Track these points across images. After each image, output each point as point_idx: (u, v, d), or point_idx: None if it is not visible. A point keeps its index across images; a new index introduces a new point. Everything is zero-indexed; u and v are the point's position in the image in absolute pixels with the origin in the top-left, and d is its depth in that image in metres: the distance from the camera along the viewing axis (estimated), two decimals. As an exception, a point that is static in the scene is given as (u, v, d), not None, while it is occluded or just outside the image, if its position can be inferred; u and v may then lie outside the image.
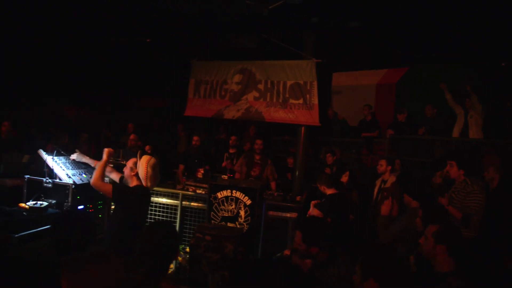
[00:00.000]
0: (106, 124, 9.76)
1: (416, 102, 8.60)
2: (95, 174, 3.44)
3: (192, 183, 6.00)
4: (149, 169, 3.56)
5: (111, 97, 10.63)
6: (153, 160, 3.67)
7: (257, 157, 6.82)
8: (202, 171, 6.48)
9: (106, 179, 3.76)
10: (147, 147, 7.43)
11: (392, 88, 10.19)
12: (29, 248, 3.55)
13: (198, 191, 5.73)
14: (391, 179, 5.15)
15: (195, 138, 7.44)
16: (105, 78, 9.82)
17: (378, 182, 5.40)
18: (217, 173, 6.76)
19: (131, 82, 9.80)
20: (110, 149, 3.69)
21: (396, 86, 10.13)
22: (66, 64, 9.16)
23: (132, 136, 7.37)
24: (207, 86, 7.52)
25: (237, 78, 7.27)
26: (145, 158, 3.64)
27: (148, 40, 7.48)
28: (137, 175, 3.60)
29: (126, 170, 3.63)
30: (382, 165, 5.23)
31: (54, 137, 8.14)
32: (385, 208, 4.97)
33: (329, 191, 4.47)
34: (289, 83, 6.83)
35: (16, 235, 3.42)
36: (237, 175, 6.23)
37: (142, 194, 3.60)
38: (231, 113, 7.20)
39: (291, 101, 6.77)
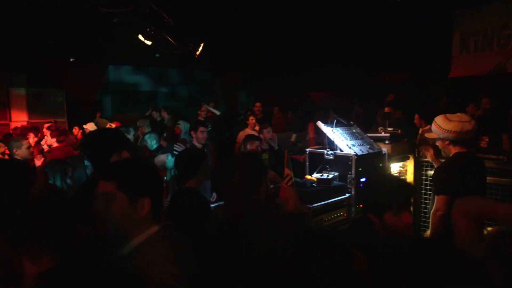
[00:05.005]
0: (356, 101, 9.54)
1: None
2: None
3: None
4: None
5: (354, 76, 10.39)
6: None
7: None
8: (487, 139, 5.30)
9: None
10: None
11: None
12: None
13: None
14: None
15: (485, 101, 6.19)
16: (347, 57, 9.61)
17: None
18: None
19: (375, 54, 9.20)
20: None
21: None
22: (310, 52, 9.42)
23: (387, 109, 6.85)
24: (478, 38, 6.16)
25: (523, 17, 5.63)
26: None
27: (398, 0, 6.66)
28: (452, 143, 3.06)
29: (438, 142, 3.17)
30: None
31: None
32: None
33: None
34: None
35: (310, 206, 3.36)
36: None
37: None
38: (519, 64, 5.64)
39: None
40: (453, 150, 3.05)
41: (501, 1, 5.78)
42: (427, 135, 3.35)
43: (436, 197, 3.02)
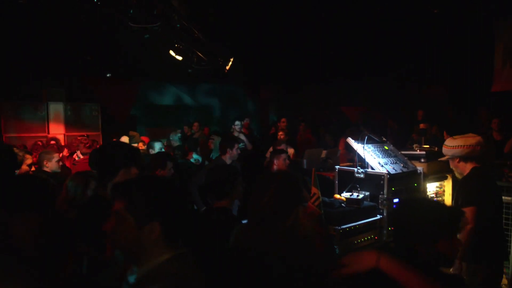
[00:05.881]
0: (391, 116, 9.21)
1: None
2: None
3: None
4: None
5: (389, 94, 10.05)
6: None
7: None
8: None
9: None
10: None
11: None
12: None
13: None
14: None
15: None
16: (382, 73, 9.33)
17: None
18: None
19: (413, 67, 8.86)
20: None
21: None
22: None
23: (422, 125, 6.58)
24: (523, 49, 5.78)
25: None
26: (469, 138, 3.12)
27: (435, 11, 6.39)
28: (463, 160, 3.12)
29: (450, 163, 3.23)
30: None
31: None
32: None
33: None
34: None
35: (339, 228, 3.17)
36: None
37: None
38: None
39: None
40: (468, 166, 3.11)
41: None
42: (440, 159, 3.38)
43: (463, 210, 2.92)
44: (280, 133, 6.67)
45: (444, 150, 3.23)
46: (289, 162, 5.03)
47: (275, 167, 4.76)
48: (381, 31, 7.33)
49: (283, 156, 4.83)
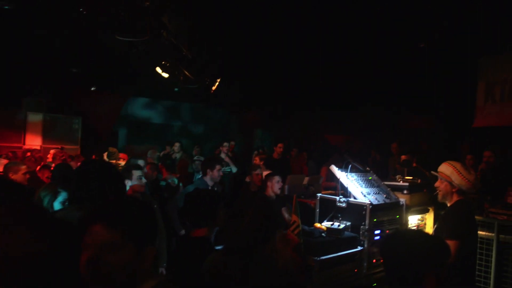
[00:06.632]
0: (373, 146, 9.24)
1: None
2: None
3: (501, 211, 4.58)
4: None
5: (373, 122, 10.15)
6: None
7: None
8: (516, 195, 4.90)
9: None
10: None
11: None
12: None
13: (516, 221, 4.29)
14: None
15: (488, 154, 5.89)
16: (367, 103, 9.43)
17: None
18: None
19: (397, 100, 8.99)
20: None
21: None
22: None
23: (404, 157, 6.56)
24: (505, 86, 5.89)
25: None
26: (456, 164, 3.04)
27: (422, 45, 6.51)
28: (459, 191, 2.99)
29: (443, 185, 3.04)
30: None
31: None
32: None
33: None
34: None
35: (317, 258, 3.04)
36: None
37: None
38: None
39: None
40: (456, 198, 3.04)
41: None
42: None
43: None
44: (256, 158, 6.60)
45: (454, 175, 2.99)
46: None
47: (269, 189, 4.59)
48: (368, 65, 7.44)
49: (276, 178, 4.61)
